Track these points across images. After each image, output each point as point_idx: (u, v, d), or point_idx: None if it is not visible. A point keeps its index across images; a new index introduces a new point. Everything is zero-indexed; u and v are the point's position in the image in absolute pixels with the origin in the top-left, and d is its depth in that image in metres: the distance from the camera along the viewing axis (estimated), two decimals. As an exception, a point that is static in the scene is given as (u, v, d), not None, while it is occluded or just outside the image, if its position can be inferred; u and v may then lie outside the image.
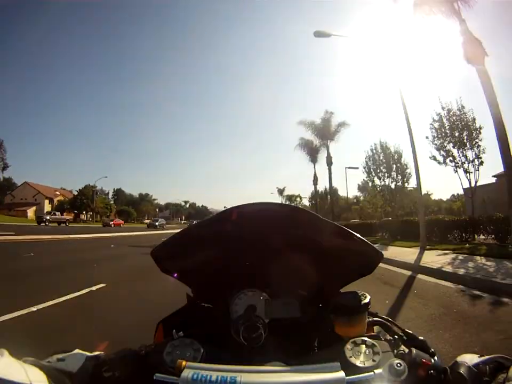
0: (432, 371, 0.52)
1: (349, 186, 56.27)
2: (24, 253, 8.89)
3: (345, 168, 30.81)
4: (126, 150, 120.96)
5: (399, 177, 20.87)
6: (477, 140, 14.81)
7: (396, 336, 0.66)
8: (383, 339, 0.65)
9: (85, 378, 0.53)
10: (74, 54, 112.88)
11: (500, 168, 13.83)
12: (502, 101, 13.45)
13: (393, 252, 9.84)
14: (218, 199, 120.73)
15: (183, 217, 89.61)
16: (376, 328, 0.78)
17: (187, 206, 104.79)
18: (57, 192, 57.77)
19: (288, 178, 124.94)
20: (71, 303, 4.05)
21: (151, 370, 0.53)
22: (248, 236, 0.83)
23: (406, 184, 21.26)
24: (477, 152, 14.93)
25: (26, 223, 30.91)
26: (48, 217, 33.03)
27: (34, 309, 3.60)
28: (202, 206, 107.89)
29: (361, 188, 52.19)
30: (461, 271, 6.04)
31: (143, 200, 79.60)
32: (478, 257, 7.88)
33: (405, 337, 0.66)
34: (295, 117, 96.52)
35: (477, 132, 14.68)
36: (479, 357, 0.55)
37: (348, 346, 0.58)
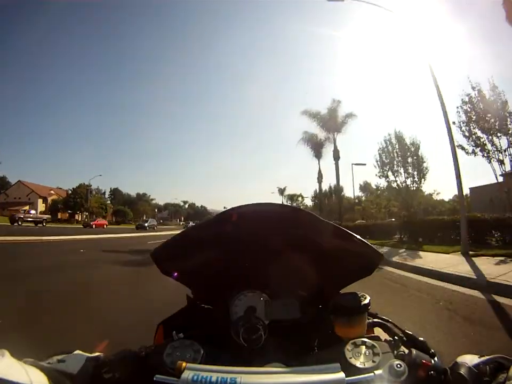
0: (432, 372, 0.52)
1: (351, 185, 53.99)
2: None
3: (352, 164, 28.45)
4: (126, 150, 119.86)
5: (415, 172, 18.62)
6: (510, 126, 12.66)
7: (395, 337, 0.66)
8: (383, 340, 0.65)
9: (85, 379, 0.53)
10: (74, 54, 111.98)
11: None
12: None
13: (431, 259, 7.89)
14: (218, 199, 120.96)
15: (182, 218, 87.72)
16: (376, 329, 0.78)
17: (186, 206, 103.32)
18: (52, 192, 56.44)
19: (289, 178, 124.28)
20: None
21: (151, 371, 0.53)
22: (248, 236, 0.83)
23: (422, 180, 18.97)
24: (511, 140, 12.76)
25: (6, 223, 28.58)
26: (21, 216, 29.39)
27: None
28: (201, 206, 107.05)
29: (363, 188, 50.20)
30: None
31: (141, 200, 77.89)
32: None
33: (405, 338, 0.66)
34: (295, 116, 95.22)
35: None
36: (479, 357, 0.55)
37: (348, 347, 0.58)
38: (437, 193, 49.03)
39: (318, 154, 29.25)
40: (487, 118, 13.16)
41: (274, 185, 76.95)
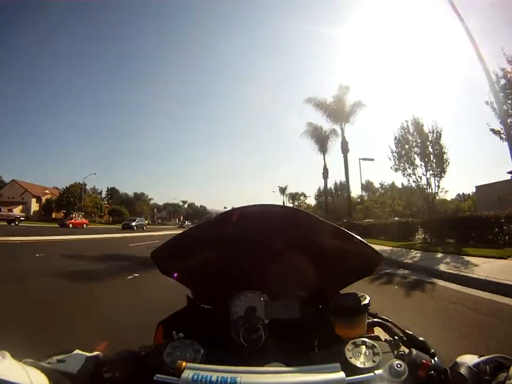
0: (432, 372, 0.52)
1: (355, 182, 51.93)
2: None
3: (359, 159, 26.10)
4: (126, 150, 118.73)
5: (433, 164, 16.54)
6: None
7: (396, 337, 0.66)
8: (383, 340, 0.65)
9: (85, 379, 0.53)
10: (74, 54, 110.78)
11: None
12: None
13: (494, 268, 5.90)
14: (218, 199, 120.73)
15: (182, 218, 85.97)
16: (376, 329, 0.77)
17: (185, 206, 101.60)
18: (47, 191, 55.34)
19: (289, 178, 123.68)
20: None
21: (151, 371, 0.53)
22: (248, 237, 0.84)
23: (442, 174, 16.87)
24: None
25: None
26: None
27: None
28: (201, 206, 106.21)
29: (365, 187, 48.20)
30: None
31: (138, 200, 76.25)
32: None
33: (405, 338, 0.66)
34: (295, 116, 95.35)
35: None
36: (478, 357, 0.55)
37: (348, 347, 0.58)
38: (445, 191, 46.83)
39: (323, 148, 27.12)
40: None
41: (274, 185, 76.28)
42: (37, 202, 53.68)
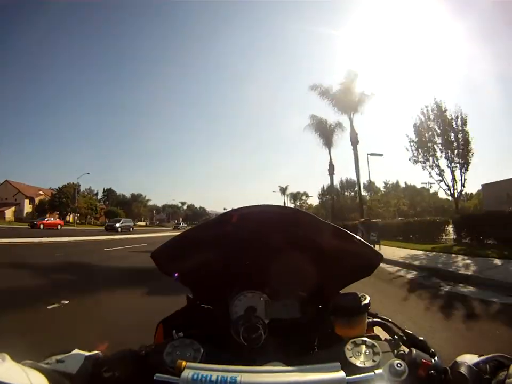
0: (432, 371, 0.52)
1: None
2: None
3: (367, 154, 23.62)
4: (126, 150, 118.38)
5: (459, 154, 14.44)
6: None
7: (396, 337, 0.65)
8: (383, 339, 0.65)
9: (85, 379, 0.53)
10: (74, 54, 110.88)
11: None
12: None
13: None
14: (218, 200, 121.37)
15: (181, 219, 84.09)
16: (376, 328, 0.77)
17: (184, 207, 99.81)
18: (41, 192, 53.85)
19: (289, 178, 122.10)
20: None
21: (151, 370, 0.53)
22: (248, 237, 0.84)
23: (467, 166, 14.77)
24: None
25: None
26: None
27: None
28: (200, 207, 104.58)
29: (367, 187, 46.16)
30: None
31: (136, 201, 74.38)
32: None
33: (405, 338, 0.66)
34: (294, 116, 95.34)
35: None
36: (478, 356, 0.55)
37: (348, 346, 0.58)
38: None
39: (328, 143, 25.01)
40: None
41: (274, 185, 75.85)
42: (30, 204, 52.37)
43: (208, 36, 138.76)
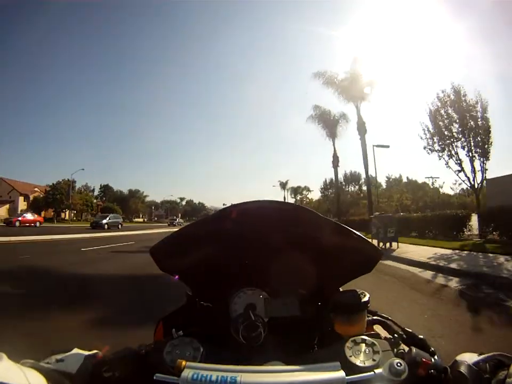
0: (432, 370, 0.52)
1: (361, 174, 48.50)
2: None
3: (373, 146, 22.21)
4: (126, 150, 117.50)
5: (478, 143, 13.38)
6: None
7: (395, 335, 0.65)
8: (382, 337, 0.65)
9: (85, 378, 0.53)
10: (74, 54, 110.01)
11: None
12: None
13: None
14: (218, 199, 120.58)
15: (179, 215, 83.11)
16: (375, 326, 0.77)
17: (183, 203, 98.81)
18: (36, 189, 52.91)
19: (289, 178, 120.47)
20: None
21: (151, 370, 0.53)
22: (248, 234, 0.83)
23: (487, 156, 13.72)
24: None
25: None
26: None
27: None
28: (199, 203, 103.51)
29: (366, 181, 45.17)
30: None
31: (133, 197, 73.17)
32: None
33: (404, 336, 0.66)
34: (294, 116, 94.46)
35: None
36: (478, 355, 0.55)
37: (348, 345, 0.58)
38: (459, 184, 43.81)
39: (332, 134, 23.93)
40: None
41: (274, 185, 73.35)
42: (24, 201, 51.30)
43: (208, 36, 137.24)
